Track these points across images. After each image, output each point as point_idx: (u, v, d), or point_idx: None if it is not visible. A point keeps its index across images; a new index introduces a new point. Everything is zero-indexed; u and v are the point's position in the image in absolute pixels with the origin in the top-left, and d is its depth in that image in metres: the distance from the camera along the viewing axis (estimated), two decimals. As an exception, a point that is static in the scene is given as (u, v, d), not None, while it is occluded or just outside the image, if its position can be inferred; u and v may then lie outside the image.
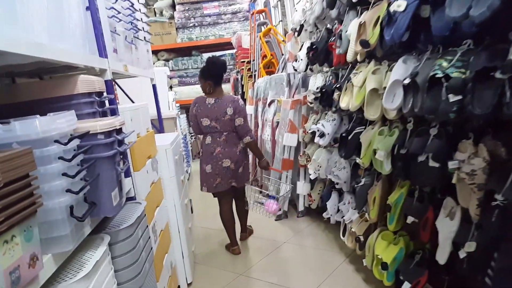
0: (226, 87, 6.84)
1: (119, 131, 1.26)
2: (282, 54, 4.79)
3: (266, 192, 3.04)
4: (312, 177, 2.95)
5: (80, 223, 0.98)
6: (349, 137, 2.14)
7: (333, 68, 2.63)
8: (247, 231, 3.09)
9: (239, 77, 5.45)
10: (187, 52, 7.13)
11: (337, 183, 2.60)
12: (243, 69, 5.30)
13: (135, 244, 1.30)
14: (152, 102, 2.76)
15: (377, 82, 1.78)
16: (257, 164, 2.90)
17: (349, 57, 1.99)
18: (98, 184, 1.10)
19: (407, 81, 1.46)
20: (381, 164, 1.81)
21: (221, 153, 2.64)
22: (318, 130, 2.61)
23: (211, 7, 6.80)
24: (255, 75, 5.06)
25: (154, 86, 2.77)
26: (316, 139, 2.62)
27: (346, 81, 2.05)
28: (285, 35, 5.00)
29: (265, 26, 4.98)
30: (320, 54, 2.52)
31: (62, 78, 1.40)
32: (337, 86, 2.23)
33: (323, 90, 2.56)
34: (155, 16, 6.81)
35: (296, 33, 3.13)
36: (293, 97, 3.65)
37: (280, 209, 2.98)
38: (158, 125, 2.83)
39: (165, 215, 2.15)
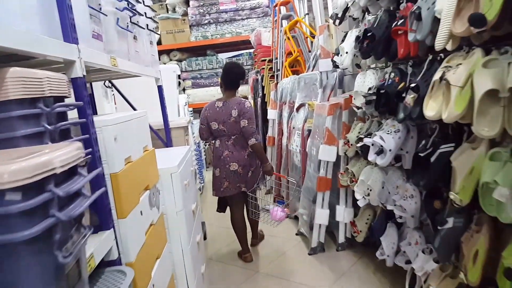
0: (244, 89, 6.25)
1: (72, 172, 0.66)
2: (310, 51, 4.17)
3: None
4: (361, 203, 2.31)
5: None
6: (432, 159, 1.50)
7: (393, 62, 1.99)
8: (258, 237, 3.04)
9: (259, 77, 4.84)
10: (202, 51, 6.57)
11: (400, 217, 1.96)
12: (263, 68, 4.69)
13: None
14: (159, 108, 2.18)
15: (496, 80, 1.14)
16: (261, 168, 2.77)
17: (440, 43, 1.35)
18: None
19: None
20: (500, 207, 1.17)
21: (229, 156, 2.65)
22: (373, 144, 1.98)
23: (228, 2, 6.22)
24: (277, 75, 4.44)
25: (160, 88, 2.18)
26: (371, 157, 1.98)
27: (440, 79, 1.39)
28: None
29: (290, 19, 4.36)
30: (378, 44, 1.89)
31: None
32: (411, 85, 1.59)
33: (381, 91, 1.92)
34: (167, 12, 6.27)
35: (336, 21, 2.50)
36: (328, 100, 3.02)
37: (287, 216, 2.77)
38: (165, 136, 2.24)
39: (169, 266, 1.54)
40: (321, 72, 3.10)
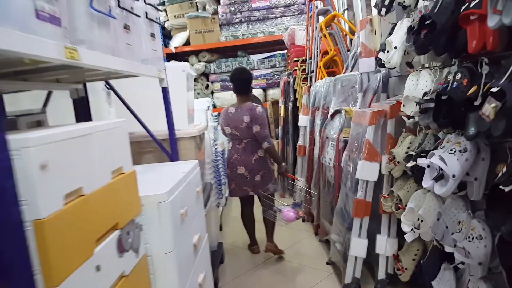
0: (276, 92, 5.85)
1: None
2: (349, 50, 3.70)
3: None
4: (409, 238, 1.84)
5: None
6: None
7: (459, 59, 1.51)
8: (273, 243, 2.92)
9: (291, 79, 4.42)
10: (232, 52, 6.25)
11: (462, 262, 1.48)
12: (296, 70, 4.27)
13: None
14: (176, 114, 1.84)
15: None
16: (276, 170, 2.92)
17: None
18: None
19: None
20: None
21: (237, 160, 2.78)
22: (429, 166, 1.51)
23: None
24: (311, 77, 4.01)
25: (164, 90, 1.83)
26: (427, 183, 1.51)
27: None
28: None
29: (326, 14, 3.91)
30: (441, 34, 1.42)
31: None
32: (492, 90, 1.12)
33: (442, 97, 1.45)
34: (197, 11, 6.00)
35: (382, 10, 2.04)
36: (369, 106, 2.56)
37: (297, 218, 2.76)
38: (170, 147, 1.89)
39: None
40: (361, 73, 2.64)
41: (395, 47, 1.82)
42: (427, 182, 1.51)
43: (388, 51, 1.91)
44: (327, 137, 2.89)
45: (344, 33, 3.78)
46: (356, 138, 2.38)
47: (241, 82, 2.84)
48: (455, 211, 1.59)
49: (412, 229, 1.80)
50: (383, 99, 2.61)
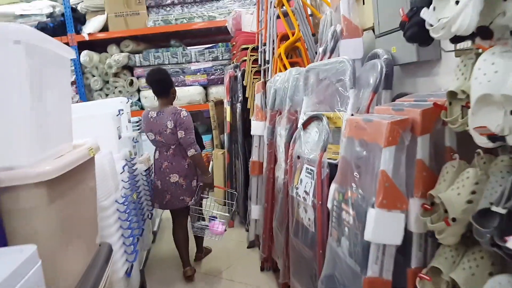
0: (220, 90, 4.80)
1: None
2: (314, 35, 2.77)
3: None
4: None
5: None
6: None
7: None
8: (203, 251, 2.93)
9: (239, 73, 3.39)
10: (163, 41, 5.09)
11: None
12: (245, 60, 3.26)
13: None
14: None
15: None
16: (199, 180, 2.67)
17: None
18: None
19: None
20: None
21: (168, 167, 2.59)
22: None
23: (198, -23, 4.79)
24: (265, 70, 3.02)
25: None
26: None
27: None
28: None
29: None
30: None
31: None
32: None
33: None
34: (116, -12, 4.74)
35: None
36: (367, 110, 1.62)
37: (225, 230, 2.66)
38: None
39: None
40: (353, 60, 1.70)
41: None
42: None
43: (436, 9, 0.95)
44: (299, 157, 1.91)
45: (308, 12, 2.84)
46: (357, 164, 1.42)
47: (157, 83, 2.63)
48: None
49: None
50: (385, 100, 1.70)
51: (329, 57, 1.98)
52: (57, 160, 1.12)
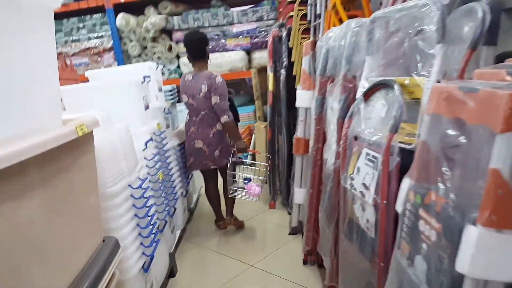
0: (264, 56, 4.34)
1: None
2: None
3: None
4: None
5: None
6: None
7: None
8: (232, 217, 2.88)
9: (284, 33, 2.90)
10: (204, 1, 4.67)
11: None
12: (291, 16, 2.75)
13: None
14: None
15: None
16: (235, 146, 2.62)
17: None
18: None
19: None
20: None
21: (194, 133, 2.62)
22: None
23: None
24: (316, 26, 2.51)
25: None
26: None
27: None
28: None
29: None
30: None
31: None
32: None
33: None
34: None
35: None
36: (461, 76, 1.12)
37: (261, 191, 2.65)
38: None
39: None
40: (441, 3, 1.18)
41: None
42: None
43: None
44: (356, 138, 1.45)
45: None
46: (447, 155, 0.95)
47: (196, 44, 2.55)
48: None
49: None
50: (486, 61, 1.18)
51: (403, 1, 1.45)
52: (9, 145, 0.78)
